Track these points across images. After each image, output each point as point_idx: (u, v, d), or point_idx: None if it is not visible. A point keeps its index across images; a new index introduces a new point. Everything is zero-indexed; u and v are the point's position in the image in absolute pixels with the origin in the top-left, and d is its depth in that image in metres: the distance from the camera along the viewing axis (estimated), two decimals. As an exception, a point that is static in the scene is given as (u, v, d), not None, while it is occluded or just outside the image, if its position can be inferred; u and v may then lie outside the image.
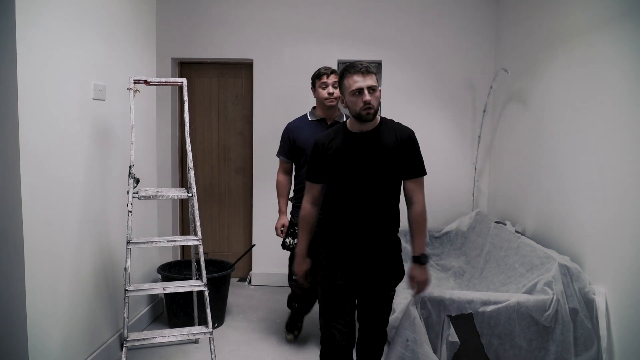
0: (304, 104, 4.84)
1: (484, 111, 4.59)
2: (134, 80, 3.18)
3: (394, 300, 3.41)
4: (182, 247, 5.18)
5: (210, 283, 3.38)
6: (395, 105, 4.80)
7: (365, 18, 4.76)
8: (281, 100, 4.86)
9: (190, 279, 3.71)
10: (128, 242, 2.97)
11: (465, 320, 2.73)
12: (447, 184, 4.81)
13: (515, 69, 4.07)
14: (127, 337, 2.91)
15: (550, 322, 2.67)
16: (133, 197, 3.04)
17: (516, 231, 3.59)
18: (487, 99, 4.56)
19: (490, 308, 2.71)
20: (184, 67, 5.06)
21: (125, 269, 2.99)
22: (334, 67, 4.81)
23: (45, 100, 2.64)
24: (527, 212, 3.77)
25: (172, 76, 4.93)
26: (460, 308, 2.73)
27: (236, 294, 4.69)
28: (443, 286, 3.72)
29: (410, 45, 4.76)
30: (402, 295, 3.47)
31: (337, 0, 4.77)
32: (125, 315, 2.93)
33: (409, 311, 2.74)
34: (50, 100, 2.69)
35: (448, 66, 4.75)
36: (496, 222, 3.89)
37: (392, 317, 3.09)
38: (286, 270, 4.93)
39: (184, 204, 5.15)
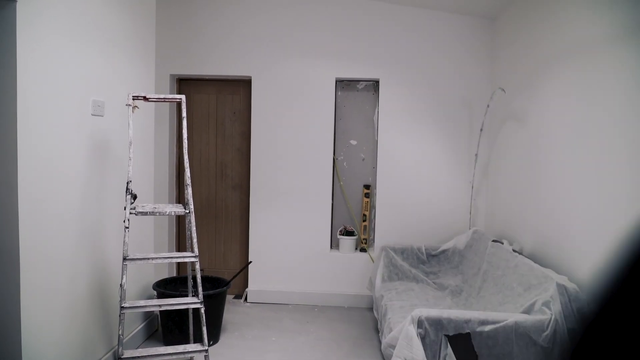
0: (301, 121, 4.87)
1: (481, 130, 4.61)
2: (133, 96, 3.18)
3: (392, 320, 3.40)
4: (178, 263, 5.15)
5: (206, 300, 3.35)
6: (392, 123, 4.83)
7: (362, 37, 4.81)
8: (279, 117, 4.88)
9: (186, 295, 3.68)
10: (124, 259, 2.95)
11: (463, 340, 2.71)
12: (444, 202, 4.82)
13: (512, 88, 4.11)
14: (122, 354, 2.88)
15: (548, 343, 2.66)
16: (130, 213, 3.03)
17: (514, 250, 3.58)
18: (484, 118, 4.59)
19: (488, 328, 2.69)
20: (183, 83, 5.08)
21: (121, 285, 2.96)
22: (332, 85, 4.85)
23: (44, 116, 2.65)
24: (525, 231, 3.77)
25: (171, 92, 4.95)
26: (458, 328, 2.72)
27: (232, 311, 4.66)
28: (440, 305, 3.70)
29: (408, 65, 4.80)
30: (400, 314, 3.45)
31: (335, 19, 4.82)
32: (120, 332, 2.90)
33: (407, 330, 2.72)
34: (49, 115, 2.69)
35: (445, 85, 4.79)
36: (493, 240, 3.89)
37: (390, 336, 3.08)
38: (283, 288, 4.93)
39: (180, 220, 5.13)
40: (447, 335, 2.72)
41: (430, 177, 4.84)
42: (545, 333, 2.66)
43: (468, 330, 2.71)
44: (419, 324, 2.73)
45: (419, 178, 4.84)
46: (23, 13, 2.44)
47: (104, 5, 3.25)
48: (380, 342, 3.89)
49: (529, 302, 2.88)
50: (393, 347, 2.97)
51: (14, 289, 2.47)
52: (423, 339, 2.72)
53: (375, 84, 5.00)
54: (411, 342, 2.68)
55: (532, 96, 3.73)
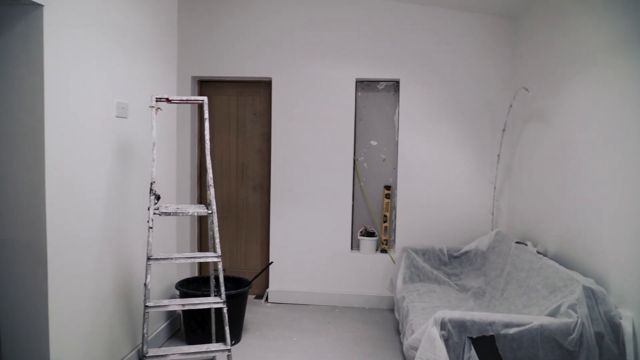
0: (321, 122, 4.87)
1: (504, 130, 4.56)
2: (156, 98, 3.22)
3: (413, 321, 3.39)
4: (200, 263, 5.19)
5: (228, 300, 3.37)
6: (413, 124, 4.80)
7: (383, 37, 4.79)
8: (299, 118, 4.89)
9: (209, 295, 3.71)
10: (148, 258, 2.99)
11: (487, 343, 2.68)
12: (466, 204, 4.78)
13: (536, 88, 4.06)
14: (147, 353, 2.91)
15: (574, 347, 2.62)
16: (154, 214, 3.06)
17: (538, 252, 3.54)
18: (507, 118, 4.54)
19: (512, 330, 2.66)
20: (204, 85, 5.12)
21: (145, 284, 3.00)
22: (352, 86, 4.84)
23: (71, 118, 2.69)
24: (549, 233, 3.72)
25: (192, 94, 4.99)
26: (482, 330, 2.69)
27: (253, 311, 4.68)
28: (462, 307, 3.67)
29: (428, 64, 4.77)
30: (422, 316, 3.43)
31: (356, 19, 4.81)
32: (145, 330, 2.93)
33: (430, 332, 2.70)
34: (76, 117, 2.73)
35: (466, 85, 4.75)
36: (517, 242, 3.84)
37: (412, 338, 3.06)
38: (303, 288, 4.93)
39: (201, 220, 5.17)
40: (470, 338, 2.69)
41: (451, 178, 4.81)
42: (572, 336, 2.62)
43: (492, 333, 2.68)
44: (442, 325, 2.71)
45: (440, 179, 4.81)
46: (49, 17, 2.48)
47: (128, 9, 3.29)
48: (401, 344, 3.87)
49: (554, 304, 2.84)
50: (415, 348, 2.96)
51: (42, 287, 2.52)
52: (446, 341, 2.70)
53: (395, 84, 4.98)
54: (434, 344, 2.66)
55: (557, 96, 3.68)
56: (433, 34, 4.75)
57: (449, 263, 4.45)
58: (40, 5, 2.42)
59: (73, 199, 2.73)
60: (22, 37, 2.44)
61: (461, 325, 2.70)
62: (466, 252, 4.43)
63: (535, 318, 2.72)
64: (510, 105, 4.45)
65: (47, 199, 2.50)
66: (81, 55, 2.77)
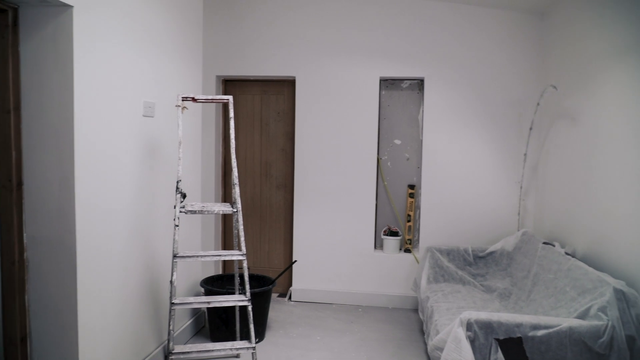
0: (345, 121, 4.86)
1: (530, 129, 4.49)
2: (182, 97, 3.25)
3: (438, 322, 3.36)
4: (224, 261, 5.23)
5: (252, 298, 3.39)
6: (438, 122, 4.76)
7: (407, 35, 4.76)
8: (323, 117, 4.88)
9: (233, 293, 3.73)
10: (174, 256, 3.02)
11: (514, 345, 2.64)
12: (492, 203, 4.72)
13: (564, 86, 3.99)
14: (173, 349, 2.94)
15: (605, 350, 2.56)
16: (180, 212, 3.09)
17: (566, 253, 3.48)
18: (534, 116, 4.47)
19: (540, 332, 2.62)
20: (228, 84, 5.15)
21: (171, 282, 3.03)
22: (376, 84, 4.82)
23: (99, 117, 2.73)
24: (578, 233, 3.65)
25: (217, 93, 5.03)
26: (509, 331, 2.65)
27: (276, 309, 4.69)
28: (488, 308, 3.63)
29: (453, 62, 4.72)
30: (446, 317, 3.40)
31: (379, 17, 4.78)
32: (171, 327, 2.96)
33: (455, 333, 2.68)
34: (104, 117, 2.77)
35: (492, 83, 4.68)
36: (544, 242, 3.78)
37: (437, 339, 3.04)
38: (327, 287, 4.93)
39: (225, 218, 5.21)
40: (497, 339, 2.66)
41: (476, 177, 4.75)
42: (602, 340, 2.56)
43: (519, 335, 2.64)
44: (468, 326, 2.68)
45: (465, 178, 4.76)
46: (79, 18, 2.52)
47: (154, 9, 3.33)
48: (425, 344, 3.84)
49: (583, 307, 2.79)
50: (440, 349, 2.94)
51: (71, 283, 2.56)
52: (472, 342, 2.67)
53: (420, 83, 4.94)
54: (460, 345, 2.64)
55: (586, 94, 3.60)
56: (458, 31, 4.70)
57: (474, 263, 4.40)
58: (70, 7, 2.46)
59: (101, 197, 2.77)
60: (53, 38, 2.48)
61: (488, 327, 2.67)
62: (492, 253, 4.38)
63: (564, 320, 2.67)
64: (538, 104, 4.38)
65: (76, 197, 2.54)
66: (109, 55, 2.81)
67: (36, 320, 2.60)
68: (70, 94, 2.50)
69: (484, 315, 2.71)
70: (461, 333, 2.66)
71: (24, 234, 2.57)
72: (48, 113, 2.52)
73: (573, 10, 3.91)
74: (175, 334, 3.68)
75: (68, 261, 2.56)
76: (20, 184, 2.55)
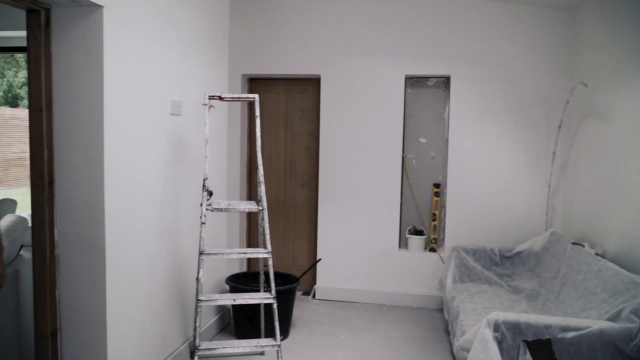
0: (370, 119, 4.84)
1: (559, 127, 4.41)
2: (209, 96, 3.27)
3: (464, 322, 3.32)
4: (248, 258, 5.26)
5: (277, 296, 3.40)
6: (464, 120, 4.71)
7: (433, 33, 4.72)
8: (348, 116, 4.87)
9: (258, 290, 3.75)
10: (201, 253, 3.04)
11: (543, 347, 2.60)
12: (519, 202, 4.65)
13: (595, 83, 3.90)
14: (199, 346, 2.97)
15: (637, 353, 2.50)
16: (206, 209, 3.11)
17: (596, 253, 3.40)
18: (563, 114, 4.39)
19: (570, 335, 2.57)
20: (253, 83, 5.18)
21: (197, 279, 3.06)
22: (401, 82, 4.79)
23: (128, 116, 2.77)
24: (608, 234, 3.57)
25: (242, 92, 5.06)
26: (538, 333, 2.61)
27: (300, 307, 4.71)
28: (515, 309, 3.58)
29: (480, 59, 4.66)
30: (473, 317, 3.37)
31: (405, 14, 4.75)
32: (198, 324, 2.99)
33: (482, 334, 2.65)
34: (132, 115, 2.81)
35: (520, 81, 4.61)
36: (573, 243, 3.71)
37: (463, 339, 3.01)
38: (351, 286, 4.92)
39: (250, 216, 5.23)
40: (525, 341, 2.62)
41: (503, 176, 4.69)
42: (634, 343, 2.50)
43: (548, 337, 2.60)
44: (496, 327, 2.64)
45: (492, 177, 4.70)
46: (109, 17, 2.56)
47: (182, 8, 3.36)
48: (451, 345, 3.81)
49: (614, 309, 2.73)
50: (466, 350, 2.91)
51: (99, 279, 2.61)
52: (500, 343, 2.64)
53: (446, 81, 4.89)
54: (487, 346, 2.61)
55: (618, 91, 3.52)
56: (485, 28, 4.64)
57: (501, 263, 4.34)
58: (100, 7, 2.50)
59: (130, 195, 2.81)
60: (83, 37, 2.52)
61: (516, 328, 2.63)
62: (519, 253, 4.31)
63: (595, 322, 2.62)
64: (567, 101, 4.30)
65: (105, 194, 2.58)
66: (138, 54, 2.84)
67: (66, 315, 2.65)
68: (100, 92, 2.54)
69: (511, 316, 2.67)
70: (488, 334, 2.63)
71: (55, 231, 2.62)
72: (79, 112, 2.57)
73: (605, 6, 3.82)
74: (201, 331, 3.72)
75: (97, 257, 2.60)
76: (51, 181, 2.60)
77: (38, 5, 2.49)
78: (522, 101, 4.62)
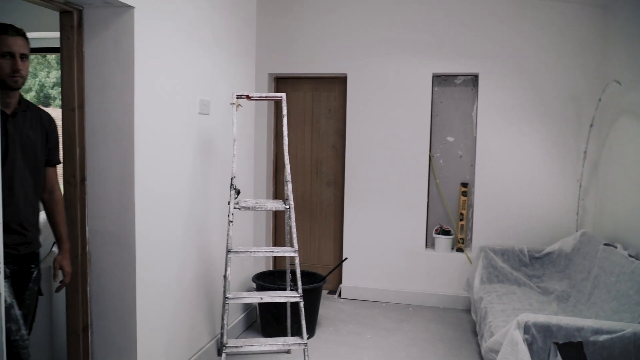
0: (396, 118, 4.81)
1: (591, 125, 4.32)
2: (236, 95, 3.30)
3: (492, 323, 3.28)
4: (274, 257, 5.28)
5: (303, 294, 3.40)
6: (492, 119, 4.64)
7: (461, 30, 4.66)
8: (374, 114, 4.85)
9: (284, 289, 3.76)
10: (229, 251, 3.07)
11: (574, 350, 2.55)
12: (548, 202, 4.57)
13: (629, 81, 3.80)
14: (227, 343, 2.99)
15: (673, 357, 2.44)
16: (234, 208, 3.14)
17: (629, 255, 3.32)
18: (595, 113, 4.29)
19: (602, 337, 2.51)
20: (280, 82, 5.20)
21: (225, 276, 3.08)
22: (429, 81, 4.75)
23: (158, 115, 2.80)
24: (642, 235, 3.48)
25: (269, 91, 5.08)
26: (569, 335, 2.56)
27: (326, 306, 4.70)
28: (545, 310, 3.51)
29: (509, 57, 4.59)
30: (501, 318, 3.32)
31: (432, 13, 4.70)
32: (225, 321, 3.02)
33: (512, 335, 2.61)
34: (162, 115, 2.85)
35: (550, 78, 4.53)
36: (605, 244, 3.63)
37: (492, 341, 2.97)
38: (377, 285, 4.90)
39: (276, 215, 5.25)
40: (556, 343, 2.57)
41: (533, 176, 4.61)
42: (670, 346, 2.44)
43: (580, 339, 2.54)
44: (526, 329, 2.60)
45: (521, 176, 4.62)
46: (139, 18, 2.60)
47: (210, 9, 3.39)
48: (478, 346, 3.76)
49: (649, 311, 2.66)
50: (495, 352, 2.87)
51: (130, 276, 2.65)
52: (530, 345, 2.60)
53: (474, 79, 4.83)
54: (516, 348, 2.57)
55: (652, 89, 3.43)
56: (514, 25, 4.57)
57: (530, 264, 4.27)
58: (131, 7, 2.54)
59: (159, 193, 2.84)
60: (115, 38, 2.56)
61: (546, 330, 2.59)
62: (549, 253, 4.24)
63: (629, 325, 2.55)
64: (599, 99, 4.20)
65: (135, 192, 2.62)
66: (167, 53, 2.88)
67: (97, 311, 2.70)
68: (131, 92, 2.58)
69: (542, 317, 2.63)
70: (518, 336, 2.59)
71: (87, 228, 2.67)
72: (110, 111, 2.61)
73: (638, 1, 3.72)
74: (227, 328, 3.75)
75: (128, 254, 2.64)
76: (83, 179, 2.65)
77: (71, 7, 2.54)
78: (552, 99, 4.54)
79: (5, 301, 2.10)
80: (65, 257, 2.49)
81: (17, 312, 2.18)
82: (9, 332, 2.12)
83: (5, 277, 2.15)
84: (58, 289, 2.53)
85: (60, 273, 2.48)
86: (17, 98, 2.28)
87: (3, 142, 2.17)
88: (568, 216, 4.53)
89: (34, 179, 2.34)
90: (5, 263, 2.17)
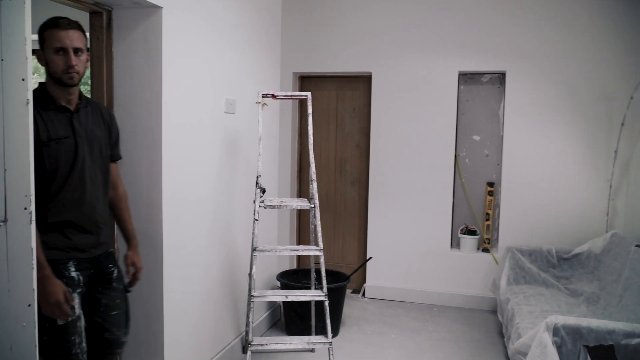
0: (422, 117, 4.78)
1: (622, 124, 4.22)
2: (262, 94, 3.31)
3: (520, 325, 3.24)
4: (298, 255, 5.29)
5: (327, 293, 3.40)
6: (520, 117, 4.57)
7: (487, 28, 4.60)
8: (399, 113, 4.82)
9: (309, 287, 3.77)
10: (254, 250, 3.08)
11: (605, 353, 2.50)
12: (577, 203, 4.48)
13: (662, 79, 3.71)
14: (252, 341, 3.01)
15: None
16: (259, 206, 3.15)
17: (662, 257, 3.24)
18: (626, 111, 4.20)
19: (635, 341, 2.46)
20: (304, 80, 5.20)
21: (250, 275, 3.10)
22: (455, 79, 4.70)
23: (185, 114, 2.83)
24: (675, 236, 3.39)
25: (293, 90, 5.08)
26: (600, 339, 2.51)
27: (350, 305, 4.70)
28: (574, 312, 3.45)
29: (537, 55, 4.51)
30: (529, 320, 3.27)
31: (458, 10, 4.65)
32: (250, 319, 3.03)
33: (541, 338, 2.57)
34: (189, 114, 2.88)
35: (580, 76, 4.43)
36: (637, 245, 3.54)
37: (519, 342, 2.93)
38: (401, 285, 4.87)
39: (300, 213, 5.26)
40: (586, 346, 2.52)
41: (561, 175, 4.53)
42: None
43: (611, 342, 2.49)
44: (555, 331, 2.56)
45: (549, 176, 4.54)
46: (168, 18, 2.62)
47: (236, 8, 3.40)
48: (505, 348, 3.72)
49: (684, 315, 2.59)
50: (523, 354, 2.83)
51: (157, 274, 2.68)
52: (559, 348, 2.56)
53: (501, 77, 4.77)
54: (545, 351, 2.53)
55: (687, 86, 3.34)
56: (543, 21, 4.49)
57: (558, 265, 4.20)
58: (159, 7, 2.57)
59: (186, 191, 2.87)
60: (144, 38, 2.60)
61: (576, 332, 2.54)
62: (577, 255, 4.16)
63: (662, 329, 2.49)
64: (631, 97, 4.11)
65: (163, 191, 2.65)
66: (195, 53, 2.90)
67: (126, 307, 2.73)
68: (159, 91, 2.61)
69: (572, 320, 2.58)
70: (547, 338, 2.54)
71: (115, 226, 2.70)
72: (138, 110, 2.65)
73: (673, -4, 3.63)
74: (252, 326, 3.77)
75: (155, 252, 2.68)
76: (112, 177, 2.69)
77: (100, 8, 2.58)
78: (581, 97, 4.45)
79: (74, 313, 2.10)
80: (136, 253, 2.45)
81: (82, 324, 2.16)
82: (72, 344, 2.10)
83: (79, 285, 2.15)
84: (130, 285, 2.46)
85: (131, 269, 2.43)
86: (77, 94, 2.18)
87: (72, 139, 2.11)
88: (598, 217, 4.44)
89: (103, 176, 2.27)
90: (79, 269, 2.16)
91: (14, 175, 1.75)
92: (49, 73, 2.09)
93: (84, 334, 2.15)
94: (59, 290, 2.02)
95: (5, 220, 1.73)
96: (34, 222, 1.80)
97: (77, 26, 2.12)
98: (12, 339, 1.77)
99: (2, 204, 1.72)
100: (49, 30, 2.06)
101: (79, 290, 2.15)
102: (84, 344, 2.15)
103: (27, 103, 1.78)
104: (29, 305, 1.82)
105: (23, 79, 1.76)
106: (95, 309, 2.27)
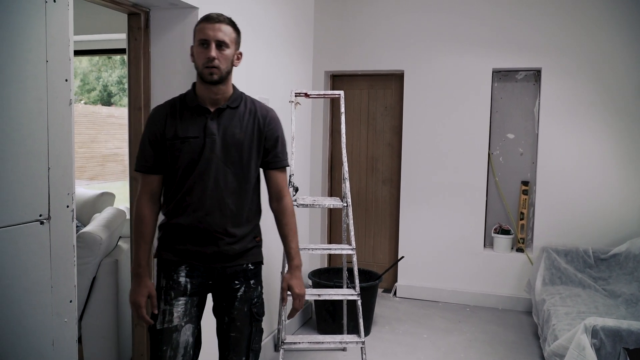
0: (454, 115, 4.73)
1: (663, 122, 4.10)
2: (295, 93, 3.32)
3: (556, 327, 3.18)
4: (329, 254, 5.30)
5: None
6: (555, 115, 4.48)
7: (522, 23, 4.52)
8: (431, 111, 4.78)
9: (340, 286, 3.77)
10: (287, 248, 3.09)
11: (646, 356, 2.44)
12: (615, 202, 4.37)
13: None
14: (285, 339, 3.03)
15: None
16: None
17: None
18: (668, 108, 4.07)
19: (678, 344, 2.39)
20: (336, 79, 5.20)
21: (282, 273, 3.11)
22: (488, 76, 4.63)
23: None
24: None
25: (325, 88, 5.09)
26: (641, 341, 2.45)
27: (381, 304, 4.68)
28: (613, 314, 3.37)
29: (574, 51, 4.41)
30: (566, 321, 3.21)
31: (492, 6, 4.58)
32: (283, 317, 3.05)
33: (579, 340, 2.52)
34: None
35: (618, 73, 4.32)
36: (679, 246, 3.45)
37: (556, 344, 2.87)
38: (433, 285, 4.83)
39: (332, 212, 5.27)
40: (626, 349, 2.46)
41: (598, 174, 4.42)
42: None
43: (653, 346, 2.43)
44: (594, 333, 2.51)
45: (586, 174, 4.44)
46: (203, 18, 2.65)
47: (270, 7, 3.42)
48: (540, 349, 3.65)
49: None
50: (560, 356, 2.78)
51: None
52: (597, 350, 2.50)
53: (536, 74, 4.68)
54: (584, 353, 2.48)
55: None
56: (580, 16, 4.38)
57: (595, 266, 4.11)
58: (195, 8, 2.60)
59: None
60: (180, 38, 2.64)
61: (616, 335, 2.49)
62: (615, 255, 4.06)
63: None
64: (673, 94, 3.99)
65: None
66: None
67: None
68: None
69: (611, 322, 2.53)
70: (585, 340, 2.49)
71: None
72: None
73: None
74: (285, 324, 3.79)
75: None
76: (149, 176, 2.74)
77: (138, 9, 2.63)
78: (620, 95, 4.33)
79: (171, 321, 1.97)
80: (295, 276, 2.16)
81: (184, 338, 1.97)
82: (162, 354, 1.95)
83: (185, 292, 1.99)
84: (289, 316, 2.23)
85: (286, 294, 2.20)
86: (224, 94, 2.01)
87: (200, 140, 1.97)
88: (636, 216, 4.33)
89: (239, 182, 2.05)
90: (191, 276, 2.00)
91: (57, 173, 1.81)
92: (196, 70, 1.98)
93: (182, 348, 1.96)
94: (141, 292, 1.96)
95: (48, 218, 1.79)
96: (75, 220, 1.86)
97: (228, 21, 2.00)
98: (54, 334, 1.83)
99: (45, 202, 1.78)
100: (199, 24, 1.98)
101: (184, 299, 1.99)
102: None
103: (70, 103, 1.84)
104: (71, 301, 1.88)
105: (66, 80, 1.82)
106: (219, 326, 2.12)
